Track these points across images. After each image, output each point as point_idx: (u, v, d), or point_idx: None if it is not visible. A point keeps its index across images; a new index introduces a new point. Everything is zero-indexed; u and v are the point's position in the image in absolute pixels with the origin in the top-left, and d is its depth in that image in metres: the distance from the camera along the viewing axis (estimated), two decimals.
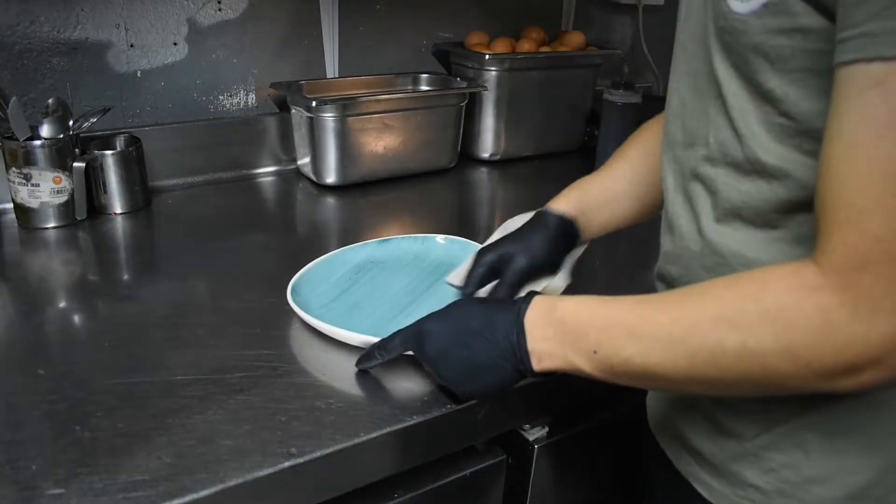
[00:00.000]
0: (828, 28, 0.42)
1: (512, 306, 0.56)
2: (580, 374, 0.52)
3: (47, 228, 0.98)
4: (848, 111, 0.40)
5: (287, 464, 0.55)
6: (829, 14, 0.42)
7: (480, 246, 0.88)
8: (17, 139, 0.94)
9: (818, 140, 0.43)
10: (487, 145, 1.35)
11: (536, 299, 0.55)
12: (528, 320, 0.54)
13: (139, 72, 1.12)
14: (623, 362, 0.48)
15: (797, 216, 0.49)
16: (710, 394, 0.54)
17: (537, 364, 0.54)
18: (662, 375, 0.47)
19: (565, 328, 0.52)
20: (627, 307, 0.49)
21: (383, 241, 0.89)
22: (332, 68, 1.28)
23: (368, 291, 0.80)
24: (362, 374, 0.66)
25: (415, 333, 0.61)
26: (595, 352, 0.49)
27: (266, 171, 1.24)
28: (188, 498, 0.51)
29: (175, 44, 1.14)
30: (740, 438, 0.55)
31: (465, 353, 0.57)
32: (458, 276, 0.75)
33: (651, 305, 0.48)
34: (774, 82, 0.46)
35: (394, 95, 1.27)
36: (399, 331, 0.62)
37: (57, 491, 0.51)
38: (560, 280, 0.73)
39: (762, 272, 0.44)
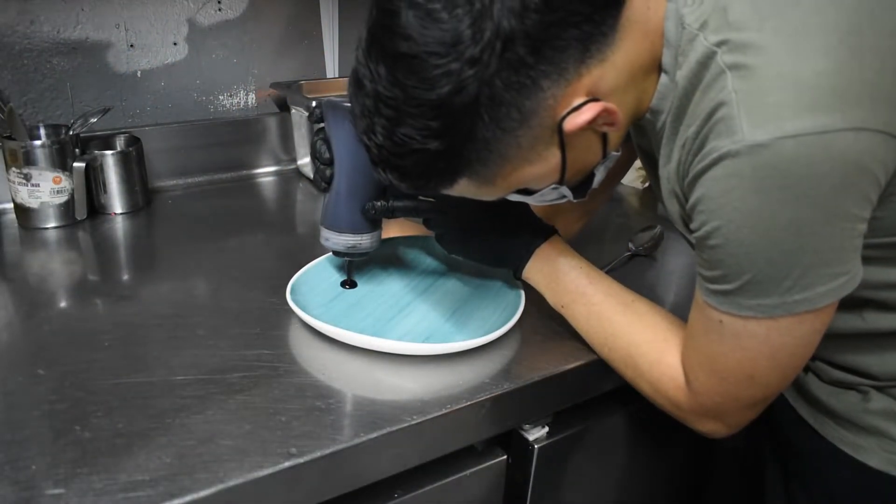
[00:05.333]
0: None
1: (532, 239, 0.73)
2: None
3: (47, 228, 0.98)
4: None
5: (287, 464, 0.55)
6: None
7: None
8: (16, 139, 0.94)
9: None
10: None
11: (554, 239, 0.73)
12: (539, 252, 0.72)
13: (139, 72, 1.12)
14: (573, 321, 0.71)
15: None
16: None
17: (524, 276, 0.74)
18: (589, 342, 0.70)
19: (556, 276, 0.71)
20: (599, 298, 0.68)
21: (383, 240, 0.88)
22: (332, 68, 1.28)
23: (368, 291, 0.80)
24: (362, 374, 0.66)
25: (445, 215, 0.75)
26: (563, 306, 0.71)
27: (266, 171, 1.24)
28: (188, 498, 0.51)
29: (175, 44, 1.14)
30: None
31: (478, 251, 0.76)
32: None
33: (611, 305, 0.67)
34: None
35: None
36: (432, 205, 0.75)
37: (57, 491, 0.51)
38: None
39: (673, 354, 0.62)
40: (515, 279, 0.75)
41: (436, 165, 0.53)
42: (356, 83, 0.53)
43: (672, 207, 0.60)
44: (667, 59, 0.55)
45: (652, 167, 0.65)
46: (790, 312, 0.51)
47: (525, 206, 0.71)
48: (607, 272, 0.72)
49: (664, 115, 0.57)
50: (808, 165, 0.46)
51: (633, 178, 1.23)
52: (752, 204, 0.48)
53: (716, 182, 0.50)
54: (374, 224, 0.75)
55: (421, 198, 0.74)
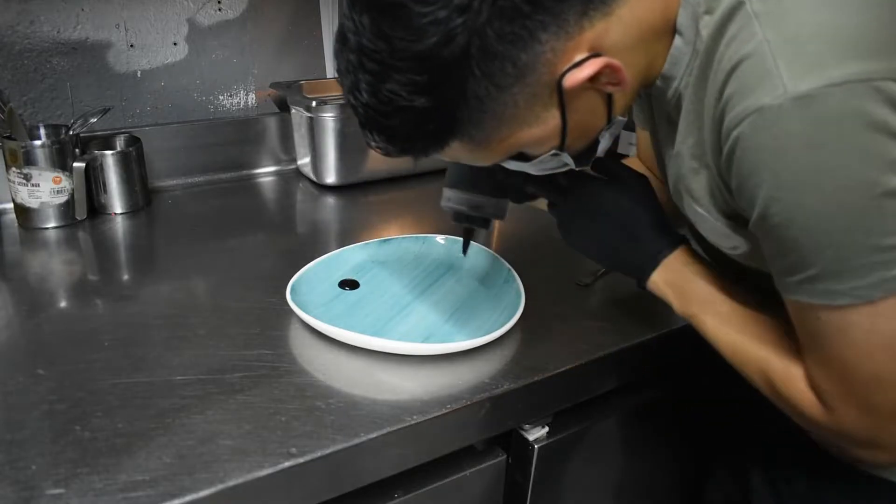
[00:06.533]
0: None
1: (659, 247, 0.65)
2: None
3: (47, 228, 0.98)
4: None
5: (287, 464, 0.55)
6: None
7: (479, 246, 0.88)
8: (16, 139, 0.94)
9: None
10: None
11: (683, 249, 0.65)
12: (666, 261, 0.65)
13: (139, 72, 1.12)
14: (702, 331, 0.63)
15: None
16: None
17: (649, 285, 0.66)
18: (720, 352, 0.61)
19: (685, 288, 0.64)
20: (726, 308, 0.61)
21: (384, 241, 0.89)
22: (332, 68, 1.28)
23: (368, 291, 0.80)
24: (362, 374, 0.66)
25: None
26: (691, 316, 0.63)
27: (266, 171, 1.24)
28: (188, 498, 0.51)
29: (175, 44, 1.14)
30: None
31: (597, 249, 0.68)
32: None
33: (738, 316, 0.60)
34: None
35: None
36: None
37: (57, 491, 0.51)
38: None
39: (801, 369, 0.54)
40: (639, 288, 0.68)
41: (425, 126, 0.50)
42: (341, 38, 0.49)
43: (698, 184, 0.55)
44: (682, 20, 0.51)
45: (657, 143, 0.62)
46: (891, 292, 0.45)
47: (656, 205, 0.66)
48: (606, 273, 0.71)
49: (676, 82, 0.54)
50: (862, 114, 0.42)
51: None
52: (809, 162, 0.43)
53: (760, 150, 0.45)
54: (501, 190, 0.69)
55: (559, 178, 0.68)
